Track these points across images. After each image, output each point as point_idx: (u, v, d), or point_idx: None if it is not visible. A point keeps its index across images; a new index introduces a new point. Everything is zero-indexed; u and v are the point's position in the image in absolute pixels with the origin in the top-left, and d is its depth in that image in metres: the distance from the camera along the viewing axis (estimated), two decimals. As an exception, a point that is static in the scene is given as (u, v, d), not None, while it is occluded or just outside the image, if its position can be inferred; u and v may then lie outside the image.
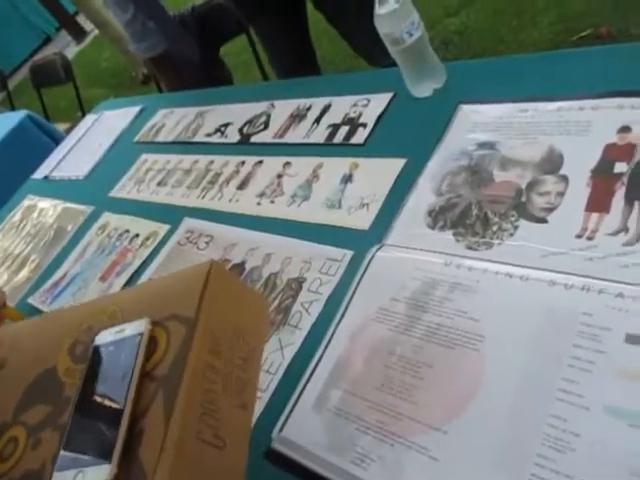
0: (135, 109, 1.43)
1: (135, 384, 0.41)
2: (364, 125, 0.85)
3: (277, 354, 0.63)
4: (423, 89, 0.81)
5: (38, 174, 1.51)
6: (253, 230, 0.82)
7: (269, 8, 1.34)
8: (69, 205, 1.25)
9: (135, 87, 4.18)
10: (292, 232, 0.76)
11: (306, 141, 0.91)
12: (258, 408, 0.59)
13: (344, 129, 0.87)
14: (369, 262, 0.64)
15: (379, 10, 0.73)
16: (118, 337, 0.45)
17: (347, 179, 0.79)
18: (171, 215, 0.97)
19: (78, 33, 6.37)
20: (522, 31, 2.31)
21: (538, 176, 0.62)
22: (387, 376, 0.54)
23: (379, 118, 0.84)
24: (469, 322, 0.53)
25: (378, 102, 0.87)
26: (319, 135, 0.90)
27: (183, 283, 0.47)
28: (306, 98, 1.00)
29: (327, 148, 0.87)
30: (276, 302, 0.69)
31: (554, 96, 0.68)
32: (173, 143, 1.19)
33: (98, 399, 0.43)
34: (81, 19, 6.05)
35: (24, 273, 1.14)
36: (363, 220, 0.71)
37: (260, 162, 0.95)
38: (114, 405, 0.41)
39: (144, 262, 0.92)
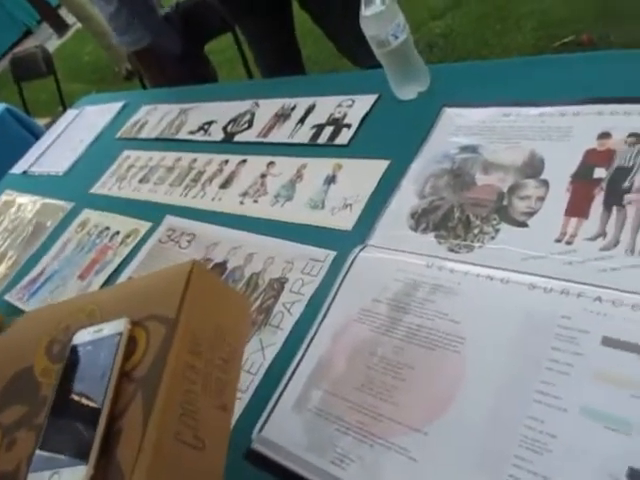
0: (118, 105, 1.41)
1: (114, 384, 0.40)
2: (348, 126, 0.85)
3: (258, 354, 0.63)
4: (408, 92, 0.81)
5: (17, 169, 1.49)
6: (236, 229, 0.81)
7: (255, 7, 1.33)
8: (48, 201, 1.23)
9: (117, 83, 4.13)
10: (275, 232, 0.76)
11: (290, 141, 0.91)
12: (238, 408, 0.59)
13: (328, 129, 0.87)
14: (351, 263, 0.65)
15: (365, 12, 0.73)
16: (96, 337, 0.44)
17: (331, 180, 0.79)
18: (153, 213, 0.96)
19: (60, 26, 6.28)
20: (506, 35, 2.33)
21: (519, 180, 0.62)
22: (368, 377, 0.54)
23: (363, 119, 0.84)
24: (450, 324, 0.54)
25: (363, 103, 0.87)
26: (303, 135, 0.90)
27: (164, 283, 0.46)
28: (291, 98, 0.99)
29: (311, 148, 0.87)
30: (258, 302, 0.69)
31: (536, 101, 0.69)
32: (156, 140, 1.18)
33: (75, 399, 0.42)
34: (63, 12, 5.96)
35: (1, 269, 1.12)
36: (346, 221, 0.71)
37: (244, 161, 0.94)
38: (92, 405, 0.40)
39: (124, 260, 0.91)
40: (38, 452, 0.41)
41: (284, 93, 1.02)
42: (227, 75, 2.83)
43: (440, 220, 0.64)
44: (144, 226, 0.95)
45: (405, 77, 0.80)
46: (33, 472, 0.40)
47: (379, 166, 0.75)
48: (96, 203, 1.10)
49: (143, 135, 1.22)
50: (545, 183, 0.60)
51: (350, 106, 0.88)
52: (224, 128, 1.05)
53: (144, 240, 0.92)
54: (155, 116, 1.26)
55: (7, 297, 1.02)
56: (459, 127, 0.73)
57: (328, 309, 0.62)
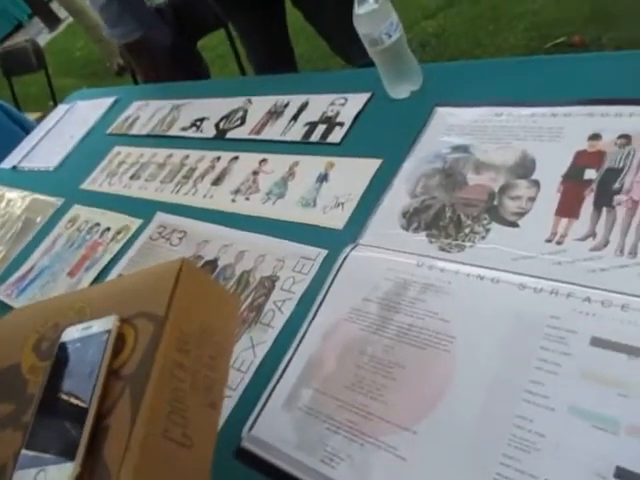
0: (109, 100, 1.40)
1: (101, 382, 0.40)
2: (341, 124, 0.85)
3: (248, 352, 0.63)
4: (400, 90, 0.81)
5: (6, 164, 1.47)
6: (227, 227, 0.81)
7: (247, 3, 1.33)
8: (38, 196, 1.22)
9: (109, 78, 4.11)
10: (266, 230, 0.76)
11: (283, 138, 0.91)
12: (228, 407, 0.59)
13: (321, 128, 0.87)
14: (342, 262, 0.65)
15: (358, 10, 0.73)
16: (85, 334, 0.44)
17: (323, 178, 0.79)
18: (144, 209, 0.95)
19: (52, 20, 6.22)
20: (499, 35, 2.34)
21: (511, 180, 0.63)
22: (358, 376, 0.54)
23: (356, 118, 0.84)
24: (440, 323, 0.54)
25: (355, 102, 0.87)
26: (296, 133, 0.90)
27: (153, 280, 0.46)
28: (284, 95, 0.99)
29: (304, 146, 0.87)
30: (249, 300, 0.68)
31: (528, 101, 0.69)
32: (147, 136, 1.17)
33: (63, 396, 0.42)
34: (55, 6, 5.91)
35: (-11, 265, 1.11)
36: (338, 219, 0.71)
37: (236, 158, 0.94)
38: (79, 403, 0.40)
39: (115, 257, 0.90)
40: (24, 450, 0.40)
41: (277, 90, 1.01)
42: (219, 72, 2.82)
43: (431, 219, 0.64)
44: (135, 223, 0.94)
45: (398, 76, 0.80)
46: (19, 470, 0.40)
47: (371, 165, 0.75)
48: (86, 199, 1.09)
49: (134, 131, 1.22)
50: (536, 183, 0.61)
51: (343, 104, 0.88)
52: (216, 125, 1.05)
53: (135, 237, 0.91)
54: (147, 112, 1.25)
55: (-5, 293, 1.01)
56: (451, 126, 0.73)
57: (319, 308, 0.62)
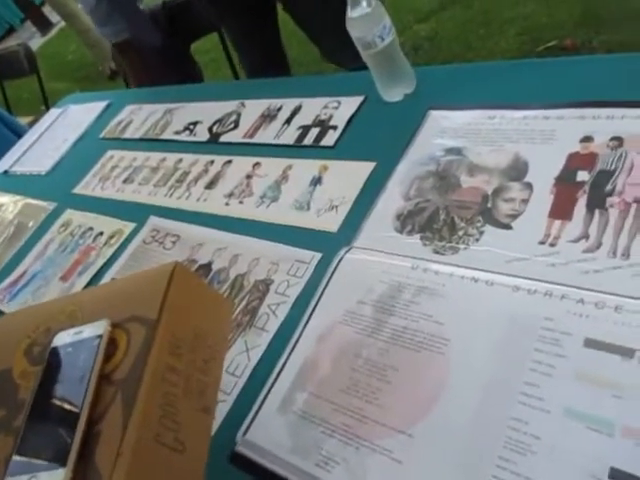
0: (102, 104, 1.40)
1: (93, 386, 0.40)
2: (334, 127, 0.85)
3: (243, 356, 0.63)
4: (394, 94, 0.81)
5: (-2, 168, 1.46)
6: (221, 230, 0.81)
7: (239, 7, 1.33)
8: (30, 201, 1.21)
9: (101, 82, 4.09)
10: (260, 233, 0.76)
11: (276, 142, 0.91)
12: (222, 411, 0.58)
13: (314, 131, 0.87)
14: (337, 265, 0.64)
15: (351, 13, 0.73)
16: (76, 338, 0.43)
17: (316, 181, 0.79)
18: (137, 213, 0.95)
19: (44, 24, 6.20)
20: (490, 39, 2.36)
21: (504, 183, 0.63)
22: (353, 379, 0.54)
23: (349, 121, 0.84)
24: (435, 326, 0.54)
25: (349, 105, 0.87)
26: (289, 136, 0.90)
27: (146, 284, 0.45)
28: (277, 98, 0.99)
29: (297, 150, 0.87)
30: (243, 304, 0.68)
31: (521, 104, 0.69)
32: (140, 140, 1.17)
33: (54, 401, 0.41)
34: (47, 10, 5.89)
35: (-20, 270, 1.10)
36: (332, 222, 0.71)
37: (229, 162, 0.94)
38: (71, 408, 0.39)
39: (108, 261, 0.89)
40: (15, 456, 0.40)
41: (270, 94, 1.01)
42: (212, 75, 2.82)
43: (425, 222, 0.64)
44: (128, 227, 0.94)
45: (391, 79, 0.80)
46: (10, 476, 0.39)
47: (365, 168, 0.75)
48: (79, 203, 1.09)
49: (127, 135, 1.21)
50: (529, 186, 0.61)
51: (336, 108, 0.88)
52: (210, 128, 1.05)
53: (128, 241, 0.91)
54: (140, 116, 1.24)
55: (-13, 298, 1.00)
56: (444, 129, 0.73)
57: (313, 311, 0.62)
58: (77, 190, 1.14)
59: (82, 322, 0.45)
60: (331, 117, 0.87)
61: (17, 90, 3.22)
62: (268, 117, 0.97)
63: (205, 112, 1.10)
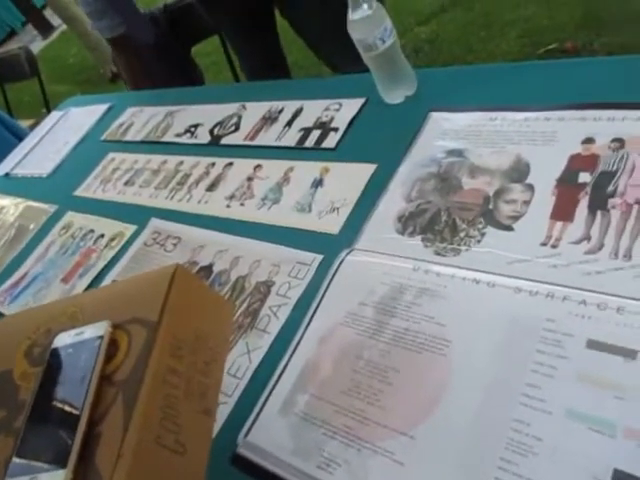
0: (103, 107, 1.40)
1: (94, 388, 0.40)
2: (335, 129, 0.85)
3: (244, 358, 0.63)
4: (395, 96, 0.81)
5: (-1, 171, 1.46)
6: (222, 232, 0.80)
7: (237, 13, 1.33)
8: (31, 203, 1.21)
9: (103, 84, 4.10)
10: (261, 235, 0.76)
11: (277, 144, 0.91)
12: (224, 413, 0.58)
13: (315, 133, 0.87)
14: (338, 266, 0.64)
15: (352, 16, 0.73)
16: (77, 339, 0.43)
17: (318, 183, 0.79)
18: (138, 215, 0.95)
19: (45, 28, 6.22)
20: (491, 41, 2.36)
21: (505, 184, 0.63)
22: (354, 380, 0.54)
23: (351, 123, 0.84)
24: (436, 327, 0.54)
25: (350, 107, 0.87)
26: (290, 138, 0.90)
27: (147, 286, 0.45)
28: (278, 101, 0.99)
29: (298, 152, 0.87)
30: (244, 305, 0.68)
31: (522, 106, 0.69)
32: (142, 142, 1.17)
33: (54, 403, 0.41)
34: (48, 13, 5.91)
35: (-18, 273, 1.10)
36: (333, 224, 0.71)
37: (230, 164, 0.94)
38: (71, 409, 0.39)
39: (109, 263, 0.89)
40: (15, 457, 0.40)
41: (271, 96, 1.02)
42: (213, 78, 2.83)
43: (427, 223, 0.64)
44: (129, 229, 0.94)
45: (392, 81, 0.80)
46: (10, 477, 0.39)
47: (366, 170, 0.75)
48: (80, 206, 1.09)
49: (128, 137, 1.21)
50: (530, 187, 0.61)
51: (337, 110, 0.88)
52: (211, 131, 1.05)
53: (129, 243, 0.91)
54: (141, 118, 1.25)
55: (-12, 301, 1.00)
56: (446, 131, 0.73)
57: (314, 313, 0.62)
58: (78, 192, 1.14)
59: (83, 323, 0.45)
60: (332, 119, 0.87)
61: (18, 93, 3.23)
62: (269, 119, 0.97)
63: (206, 114, 1.10)
